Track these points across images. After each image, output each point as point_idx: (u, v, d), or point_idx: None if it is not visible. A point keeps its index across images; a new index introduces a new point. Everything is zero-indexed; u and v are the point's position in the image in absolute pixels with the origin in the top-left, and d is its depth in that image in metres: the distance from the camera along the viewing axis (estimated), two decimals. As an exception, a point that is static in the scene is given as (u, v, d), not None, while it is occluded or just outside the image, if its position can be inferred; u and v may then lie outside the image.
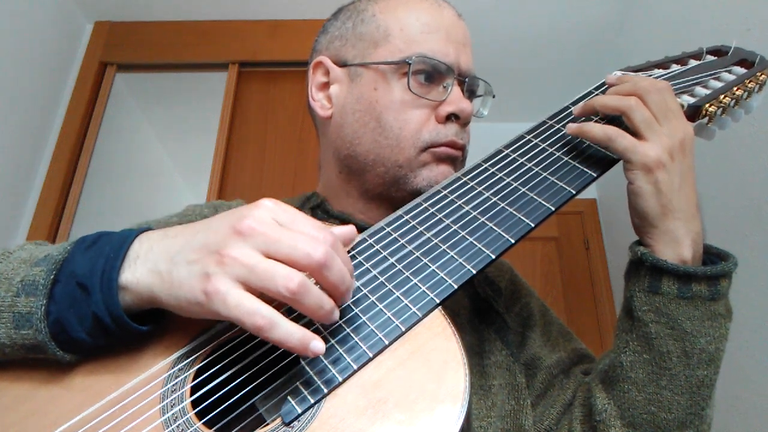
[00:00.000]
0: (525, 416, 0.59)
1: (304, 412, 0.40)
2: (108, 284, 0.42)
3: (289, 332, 0.39)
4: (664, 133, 0.54)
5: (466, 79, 0.67)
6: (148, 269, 0.42)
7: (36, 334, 0.42)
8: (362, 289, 0.48)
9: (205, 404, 0.42)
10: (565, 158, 0.57)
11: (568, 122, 0.60)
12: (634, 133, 0.55)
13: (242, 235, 0.40)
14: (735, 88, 0.61)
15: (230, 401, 0.43)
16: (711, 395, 0.54)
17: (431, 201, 0.56)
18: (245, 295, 0.39)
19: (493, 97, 0.74)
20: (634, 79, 0.59)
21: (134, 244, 0.44)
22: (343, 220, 0.67)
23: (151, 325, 0.44)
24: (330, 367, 0.42)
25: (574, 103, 0.63)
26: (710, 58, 0.68)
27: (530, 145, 0.60)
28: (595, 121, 0.59)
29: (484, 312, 0.68)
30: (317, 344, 0.39)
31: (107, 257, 0.43)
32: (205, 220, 0.45)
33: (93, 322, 0.42)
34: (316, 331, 0.43)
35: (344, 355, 0.43)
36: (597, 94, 0.64)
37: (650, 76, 0.65)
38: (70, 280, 0.43)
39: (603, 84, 0.65)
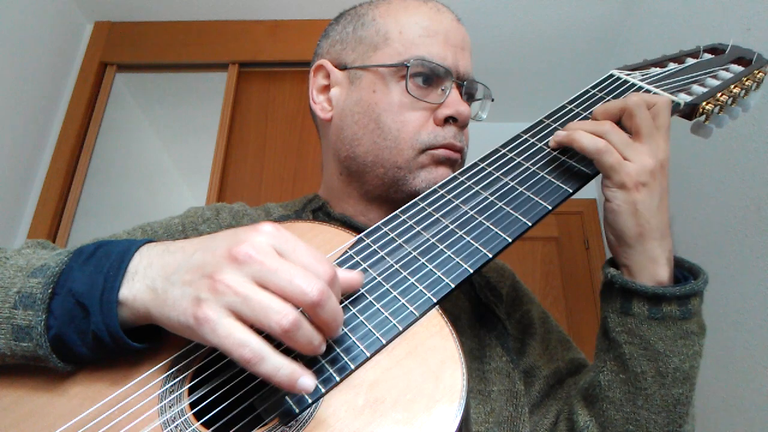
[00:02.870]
0: (522, 423, 0.60)
1: (301, 411, 0.41)
2: (108, 305, 0.41)
3: (276, 367, 0.37)
4: (645, 153, 0.53)
5: (465, 83, 0.68)
6: (146, 286, 0.42)
7: (37, 349, 0.42)
8: (360, 288, 0.48)
9: (203, 405, 0.42)
10: (563, 157, 0.57)
11: (565, 123, 0.60)
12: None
13: (237, 261, 0.39)
14: (732, 86, 0.61)
15: (228, 401, 0.43)
16: (688, 412, 0.55)
17: (429, 201, 0.56)
18: (235, 326, 0.38)
19: (492, 100, 0.75)
20: (620, 99, 0.58)
21: (134, 258, 0.44)
22: (343, 223, 0.67)
23: (147, 343, 0.44)
24: (327, 366, 0.42)
25: (572, 102, 0.63)
26: (707, 56, 0.68)
27: (527, 144, 0.60)
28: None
29: (484, 317, 0.68)
30: (306, 381, 0.38)
31: (106, 275, 0.42)
32: (207, 236, 0.44)
33: (93, 339, 0.42)
34: None
35: (342, 355, 0.43)
36: (595, 93, 0.64)
37: (647, 74, 0.66)
38: (68, 297, 0.42)
39: (601, 83, 0.65)
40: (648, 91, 0.62)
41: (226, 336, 0.38)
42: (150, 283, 0.42)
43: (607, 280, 0.56)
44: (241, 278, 0.39)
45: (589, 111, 0.61)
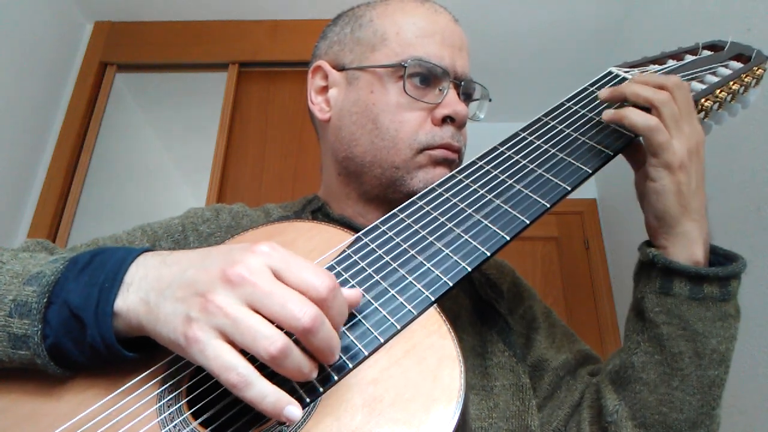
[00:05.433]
0: (531, 417, 0.59)
1: (299, 410, 0.40)
2: (103, 318, 0.41)
3: (262, 394, 0.36)
4: (686, 133, 0.54)
5: (462, 83, 0.68)
6: (140, 298, 0.41)
7: (35, 357, 0.42)
8: (358, 288, 0.48)
9: (201, 404, 0.42)
10: (560, 155, 0.57)
11: (568, 122, 0.60)
12: None
13: (231, 282, 0.38)
14: (731, 83, 0.61)
15: (226, 400, 0.43)
16: (721, 395, 0.55)
17: (427, 199, 0.56)
18: (224, 348, 0.37)
19: (490, 100, 0.75)
20: (659, 75, 0.58)
21: (131, 268, 0.43)
22: (343, 224, 0.67)
23: (144, 352, 0.44)
24: (326, 365, 0.42)
25: (570, 100, 0.63)
26: (707, 53, 0.68)
27: (525, 142, 0.60)
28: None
29: (485, 314, 0.68)
30: (292, 410, 0.37)
31: (101, 287, 0.42)
32: (205, 249, 0.44)
33: (90, 350, 0.42)
34: None
35: (340, 354, 0.43)
36: (593, 90, 0.64)
37: (646, 71, 0.65)
38: (63, 308, 0.42)
39: (599, 80, 0.65)
40: None
41: (213, 358, 0.37)
42: (144, 295, 0.41)
43: (647, 260, 0.56)
44: (232, 300, 0.38)
45: (588, 108, 0.61)
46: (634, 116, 0.55)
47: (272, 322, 0.38)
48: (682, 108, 0.54)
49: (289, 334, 0.38)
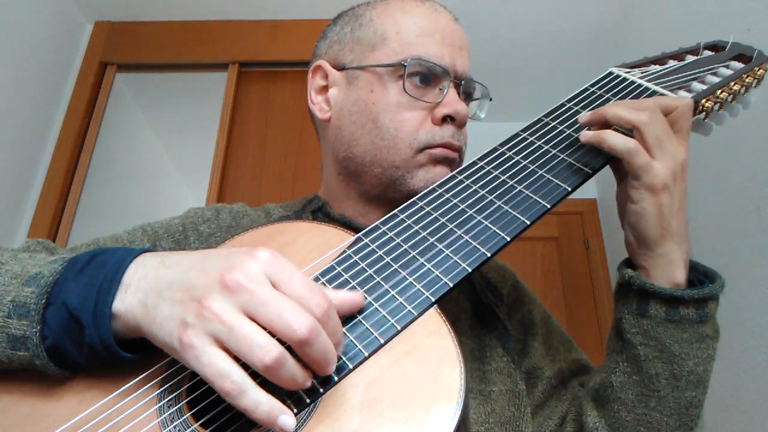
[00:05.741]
0: (525, 424, 0.60)
1: (299, 412, 0.40)
2: (101, 319, 0.41)
3: (256, 402, 0.36)
4: (670, 153, 0.53)
5: (462, 82, 0.67)
6: (138, 299, 0.41)
7: (34, 358, 0.42)
8: (358, 288, 0.48)
9: (201, 405, 0.42)
10: (561, 155, 0.57)
11: (568, 122, 0.60)
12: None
13: (228, 288, 0.38)
14: (732, 83, 0.61)
15: (226, 402, 0.43)
16: (699, 415, 0.55)
17: (427, 200, 0.56)
18: (219, 355, 0.37)
19: (490, 100, 0.75)
20: (633, 101, 0.57)
21: (129, 269, 0.43)
22: (343, 224, 0.67)
23: (143, 353, 0.43)
24: None
25: (571, 100, 0.63)
26: (707, 53, 0.67)
27: (527, 143, 0.59)
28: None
29: (485, 318, 0.68)
30: (286, 419, 0.36)
31: (99, 288, 0.42)
32: (204, 252, 0.43)
33: (88, 351, 0.42)
34: None
35: (340, 355, 0.43)
36: (594, 91, 0.63)
37: (647, 71, 0.65)
38: (62, 309, 0.42)
39: (600, 80, 0.65)
40: (647, 89, 0.62)
41: (208, 365, 0.37)
42: (142, 296, 0.41)
43: (624, 281, 0.56)
44: (228, 307, 0.38)
45: (588, 109, 0.61)
46: (613, 139, 0.54)
47: (268, 330, 0.37)
48: (663, 128, 0.53)
49: (284, 342, 0.37)
